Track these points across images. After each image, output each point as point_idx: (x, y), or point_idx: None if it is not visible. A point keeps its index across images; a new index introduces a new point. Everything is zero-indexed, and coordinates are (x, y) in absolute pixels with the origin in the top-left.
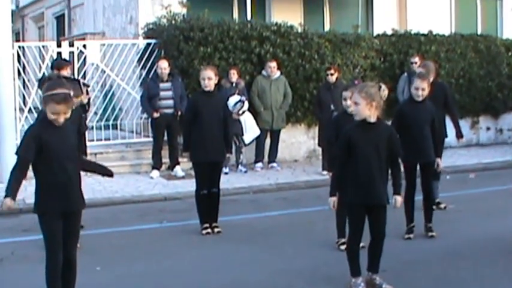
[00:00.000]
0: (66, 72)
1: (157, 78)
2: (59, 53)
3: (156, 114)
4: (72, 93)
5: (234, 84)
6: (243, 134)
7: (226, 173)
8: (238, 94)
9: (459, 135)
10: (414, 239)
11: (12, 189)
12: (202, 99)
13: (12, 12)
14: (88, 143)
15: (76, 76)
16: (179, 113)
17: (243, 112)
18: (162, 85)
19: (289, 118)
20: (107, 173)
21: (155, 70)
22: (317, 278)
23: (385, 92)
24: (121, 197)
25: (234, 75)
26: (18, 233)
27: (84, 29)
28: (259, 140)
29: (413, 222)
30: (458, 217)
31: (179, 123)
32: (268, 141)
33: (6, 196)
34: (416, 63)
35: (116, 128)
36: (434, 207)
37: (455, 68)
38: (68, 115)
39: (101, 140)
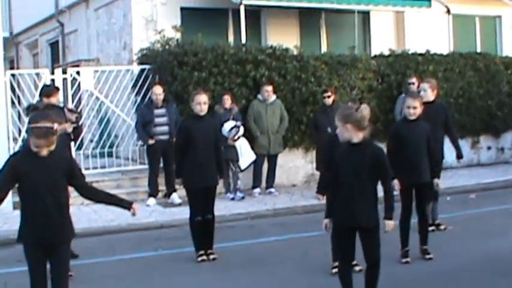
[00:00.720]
0: (55, 99)
1: (152, 104)
2: (53, 80)
3: (151, 141)
4: (56, 126)
5: (227, 110)
6: (238, 160)
7: (232, 199)
8: (232, 119)
9: (459, 155)
10: (412, 261)
11: None
12: (195, 124)
13: (6, 39)
14: (84, 172)
15: (71, 103)
16: (174, 139)
17: (238, 137)
18: (156, 111)
19: (286, 142)
20: (124, 205)
21: (149, 96)
22: None
23: (365, 111)
24: (117, 226)
25: (227, 101)
26: (12, 263)
27: (78, 56)
28: (256, 165)
29: (408, 246)
30: (458, 238)
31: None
32: (265, 166)
33: None
34: (413, 83)
35: (112, 156)
36: (434, 228)
37: (454, 88)
38: (52, 147)
39: (97, 168)
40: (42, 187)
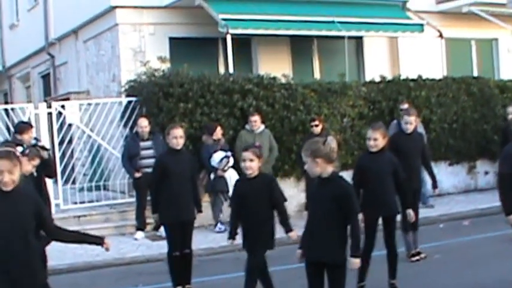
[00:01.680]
0: (27, 136)
1: (138, 137)
2: (37, 115)
3: (137, 174)
4: (18, 152)
5: (216, 141)
6: (228, 191)
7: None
8: (221, 150)
9: (435, 185)
10: None
11: None
12: (171, 158)
13: None
14: (73, 206)
15: (56, 137)
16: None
17: (228, 168)
18: (142, 144)
19: (277, 172)
20: (95, 241)
21: (136, 129)
22: None
23: (333, 143)
24: (102, 261)
25: (219, 132)
26: None
27: (69, 88)
28: None
29: (364, 282)
30: (443, 267)
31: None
32: None
33: None
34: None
35: (104, 189)
36: (418, 258)
37: (448, 113)
38: (15, 177)
39: (86, 202)
40: (6, 230)
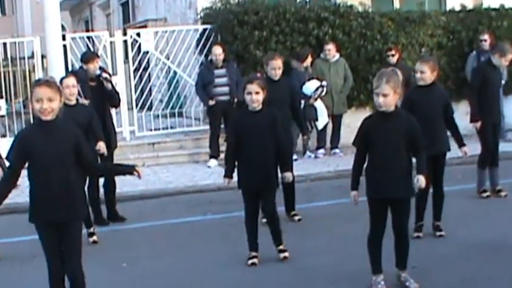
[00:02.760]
0: (92, 65)
1: (212, 64)
2: (112, 43)
3: (211, 102)
4: (58, 83)
5: (306, 68)
6: (317, 119)
7: (295, 160)
8: (315, 79)
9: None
10: (450, 234)
11: None
12: (270, 87)
13: (81, 0)
14: (148, 133)
15: (131, 65)
16: (235, 99)
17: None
18: (216, 72)
19: (352, 102)
20: (129, 171)
21: (210, 57)
22: (340, 274)
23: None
24: (174, 188)
25: (308, 59)
26: None
27: (147, 16)
28: None
29: (423, 221)
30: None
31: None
32: (330, 126)
33: None
34: (485, 40)
35: (179, 116)
36: (489, 194)
37: None
38: (55, 106)
39: (164, 128)
40: (48, 161)
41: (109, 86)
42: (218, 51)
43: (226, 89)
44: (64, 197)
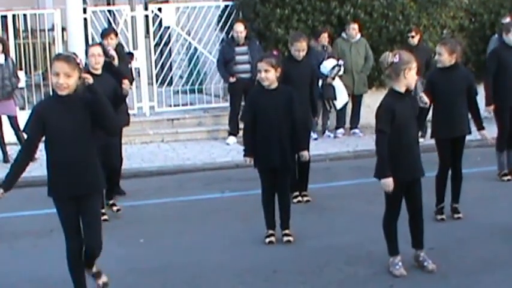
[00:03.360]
0: (106, 41)
1: (233, 42)
2: (133, 17)
3: (232, 79)
4: (78, 59)
5: (324, 48)
6: (335, 98)
7: (315, 139)
8: (332, 57)
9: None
10: (468, 216)
11: (7, 181)
12: (291, 66)
13: None
14: (167, 108)
15: (152, 39)
16: (257, 77)
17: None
18: (238, 49)
19: (372, 82)
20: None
21: (231, 34)
22: (357, 255)
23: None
24: (192, 165)
25: (325, 39)
26: None
27: None
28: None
29: (444, 203)
30: None
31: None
32: (349, 106)
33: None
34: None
35: (199, 92)
36: (510, 178)
37: None
38: (71, 82)
39: (178, 105)
40: (65, 134)
41: (115, 63)
42: (240, 29)
43: (247, 66)
44: (82, 170)
